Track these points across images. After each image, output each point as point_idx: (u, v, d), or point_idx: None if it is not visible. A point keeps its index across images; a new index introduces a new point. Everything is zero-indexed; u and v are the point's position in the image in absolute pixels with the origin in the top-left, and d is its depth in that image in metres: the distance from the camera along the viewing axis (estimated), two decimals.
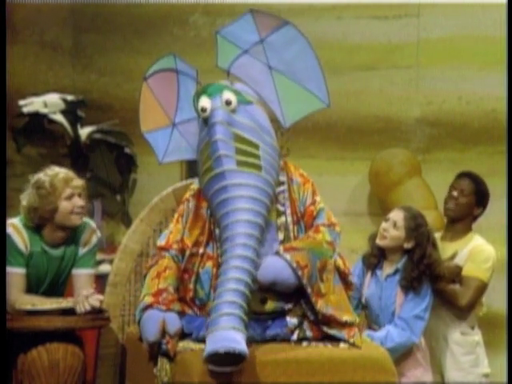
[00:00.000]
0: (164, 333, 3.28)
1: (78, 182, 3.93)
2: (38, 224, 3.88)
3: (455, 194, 4.41)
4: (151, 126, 3.64)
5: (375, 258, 4.17)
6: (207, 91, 3.40)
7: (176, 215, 3.59)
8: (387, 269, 4.17)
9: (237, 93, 3.40)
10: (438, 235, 4.47)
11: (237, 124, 3.34)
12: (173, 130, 3.62)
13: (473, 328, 4.37)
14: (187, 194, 3.63)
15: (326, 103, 3.50)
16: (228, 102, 3.36)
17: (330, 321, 3.33)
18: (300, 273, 3.26)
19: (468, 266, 4.30)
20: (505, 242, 4.93)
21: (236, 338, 2.97)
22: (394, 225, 4.12)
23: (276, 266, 3.26)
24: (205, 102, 3.38)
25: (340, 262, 3.48)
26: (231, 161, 3.26)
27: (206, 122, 3.36)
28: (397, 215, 4.15)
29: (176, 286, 3.42)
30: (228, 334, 2.98)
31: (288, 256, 3.28)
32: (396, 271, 4.13)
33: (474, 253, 4.34)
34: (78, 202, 3.88)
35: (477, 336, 4.38)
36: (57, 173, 3.90)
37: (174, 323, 3.30)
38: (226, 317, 3.01)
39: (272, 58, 3.49)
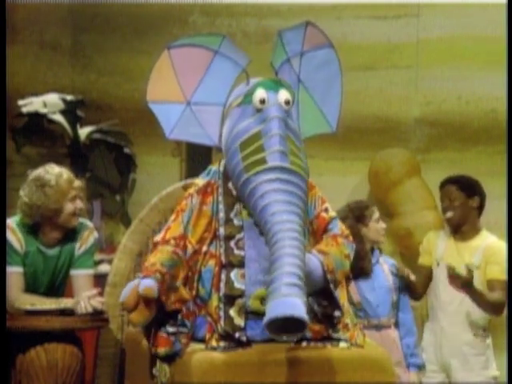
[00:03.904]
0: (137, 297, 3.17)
1: (79, 184, 3.96)
2: (36, 222, 3.89)
3: (447, 204, 4.47)
4: (159, 97, 3.50)
5: (370, 260, 4.27)
6: (266, 84, 3.38)
7: (177, 209, 3.52)
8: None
9: (292, 94, 3.41)
10: (442, 234, 4.52)
11: (289, 125, 3.35)
12: (185, 109, 3.52)
13: (484, 330, 4.39)
14: (191, 190, 3.56)
15: (333, 128, 3.54)
16: (287, 102, 3.36)
17: (338, 322, 3.34)
18: (329, 277, 3.28)
19: (493, 268, 4.35)
20: (505, 242, 4.92)
21: (296, 303, 2.96)
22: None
23: (311, 262, 3.25)
24: (263, 93, 3.35)
25: None
26: (287, 158, 3.25)
27: (257, 112, 3.33)
28: (376, 211, 4.36)
29: (170, 264, 3.33)
30: (287, 300, 2.97)
31: (321, 257, 3.30)
32: (377, 260, 4.32)
33: (493, 253, 4.39)
34: (79, 204, 3.92)
35: (488, 338, 4.41)
36: (60, 172, 3.91)
37: (145, 284, 3.17)
38: (288, 286, 2.99)
39: (303, 72, 3.50)
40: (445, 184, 4.53)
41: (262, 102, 3.35)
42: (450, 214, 4.45)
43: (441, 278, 4.41)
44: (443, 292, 4.40)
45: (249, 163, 3.28)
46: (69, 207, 3.89)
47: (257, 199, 3.24)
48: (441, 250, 4.49)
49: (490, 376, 4.39)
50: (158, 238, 3.50)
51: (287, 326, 2.97)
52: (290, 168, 3.25)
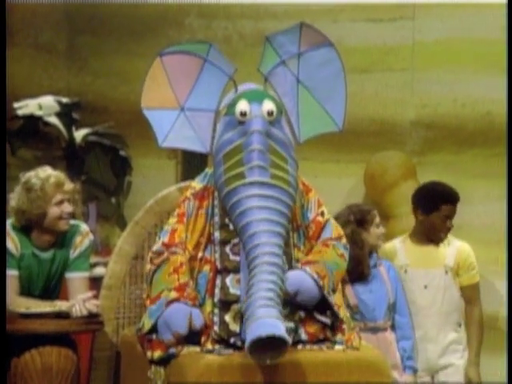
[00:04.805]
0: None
1: (69, 187, 3.92)
2: (25, 226, 3.88)
3: (449, 224, 4.49)
4: (154, 104, 3.50)
5: (368, 265, 4.27)
6: (249, 96, 3.39)
7: (177, 212, 3.51)
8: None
9: (276, 104, 3.40)
10: (397, 242, 4.53)
11: (273, 136, 3.34)
12: (179, 115, 3.51)
13: (460, 325, 4.43)
14: (188, 193, 3.56)
15: (339, 127, 3.53)
16: (270, 113, 3.36)
17: (336, 328, 3.35)
18: (321, 283, 3.28)
19: (466, 275, 4.45)
20: (504, 243, 4.94)
21: (277, 324, 2.99)
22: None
23: (299, 277, 3.26)
24: (245, 105, 3.36)
25: None
26: (266, 173, 3.27)
27: (239, 124, 3.35)
28: (377, 215, 4.39)
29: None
30: (267, 320, 3.00)
31: (307, 268, 3.30)
32: (375, 263, 4.32)
33: (465, 258, 4.48)
34: (67, 208, 3.88)
35: (463, 332, 4.45)
36: (48, 176, 3.88)
37: (199, 319, 3.23)
38: (265, 308, 3.03)
39: (302, 73, 3.50)
40: (457, 201, 4.50)
41: (244, 114, 3.35)
42: (444, 235, 4.50)
43: (413, 283, 4.43)
44: (420, 297, 4.41)
45: (229, 177, 3.30)
46: (54, 211, 3.85)
47: (237, 216, 3.26)
48: (402, 257, 4.49)
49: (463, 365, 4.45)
50: (166, 239, 3.46)
51: (268, 348, 2.98)
52: (270, 182, 3.26)
